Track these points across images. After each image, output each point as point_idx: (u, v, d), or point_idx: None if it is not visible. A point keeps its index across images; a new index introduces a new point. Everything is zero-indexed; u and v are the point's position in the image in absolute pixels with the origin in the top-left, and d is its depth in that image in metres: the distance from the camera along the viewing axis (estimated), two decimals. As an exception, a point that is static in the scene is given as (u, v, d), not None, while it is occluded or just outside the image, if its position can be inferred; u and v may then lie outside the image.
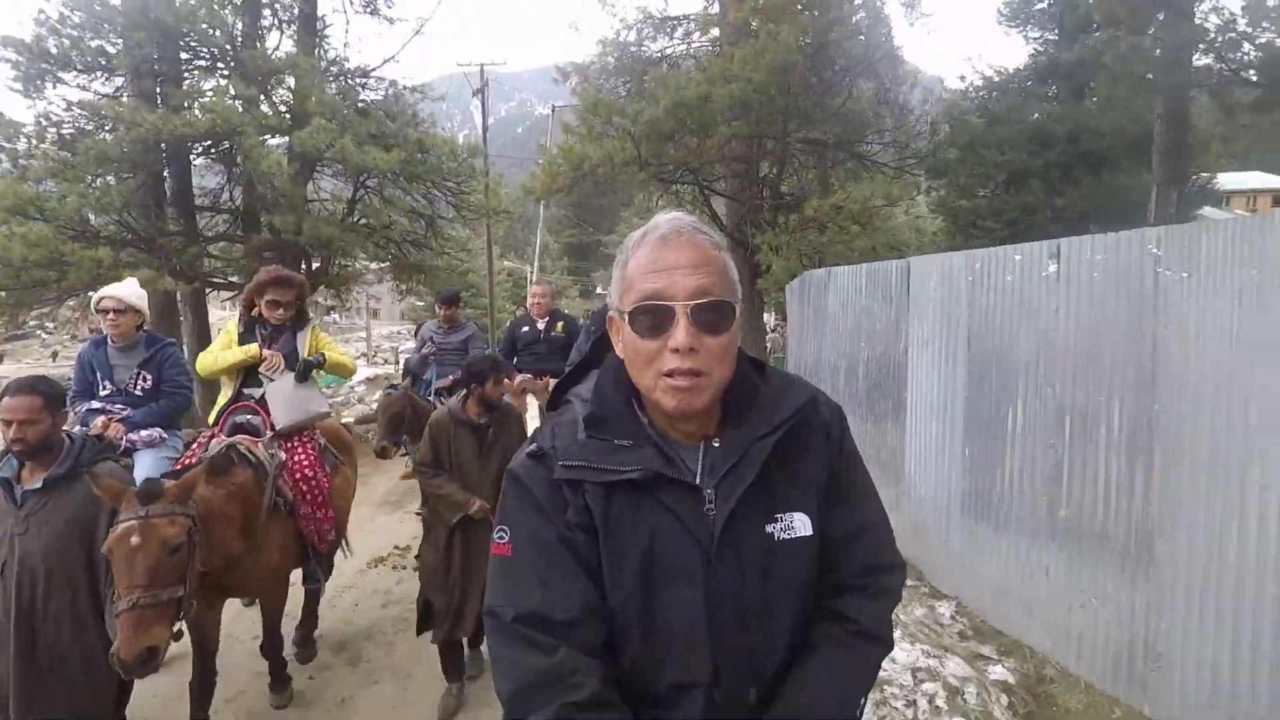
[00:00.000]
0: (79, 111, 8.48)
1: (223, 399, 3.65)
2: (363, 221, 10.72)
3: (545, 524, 1.02)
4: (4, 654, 2.33)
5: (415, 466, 3.70)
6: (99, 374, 3.48)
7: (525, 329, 5.64)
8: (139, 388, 3.51)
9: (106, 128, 8.66)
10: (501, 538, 1.05)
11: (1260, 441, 2.71)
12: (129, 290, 3.57)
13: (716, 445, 1.05)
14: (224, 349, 3.61)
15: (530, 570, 1.01)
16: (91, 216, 8.47)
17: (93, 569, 2.44)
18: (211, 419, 3.62)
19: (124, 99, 8.77)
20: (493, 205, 10.94)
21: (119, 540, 2.28)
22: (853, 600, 1.09)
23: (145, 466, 3.28)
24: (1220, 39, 8.81)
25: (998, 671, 3.58)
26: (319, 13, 10.74)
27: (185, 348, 9.89)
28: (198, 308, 11.15)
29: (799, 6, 8.09)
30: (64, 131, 8.39)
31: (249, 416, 3.43)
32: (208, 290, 10.80)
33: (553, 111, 16.77)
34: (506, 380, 4.30)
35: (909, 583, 4.37)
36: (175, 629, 2.40)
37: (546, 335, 5.53)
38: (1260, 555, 2.71)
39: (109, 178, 8.02)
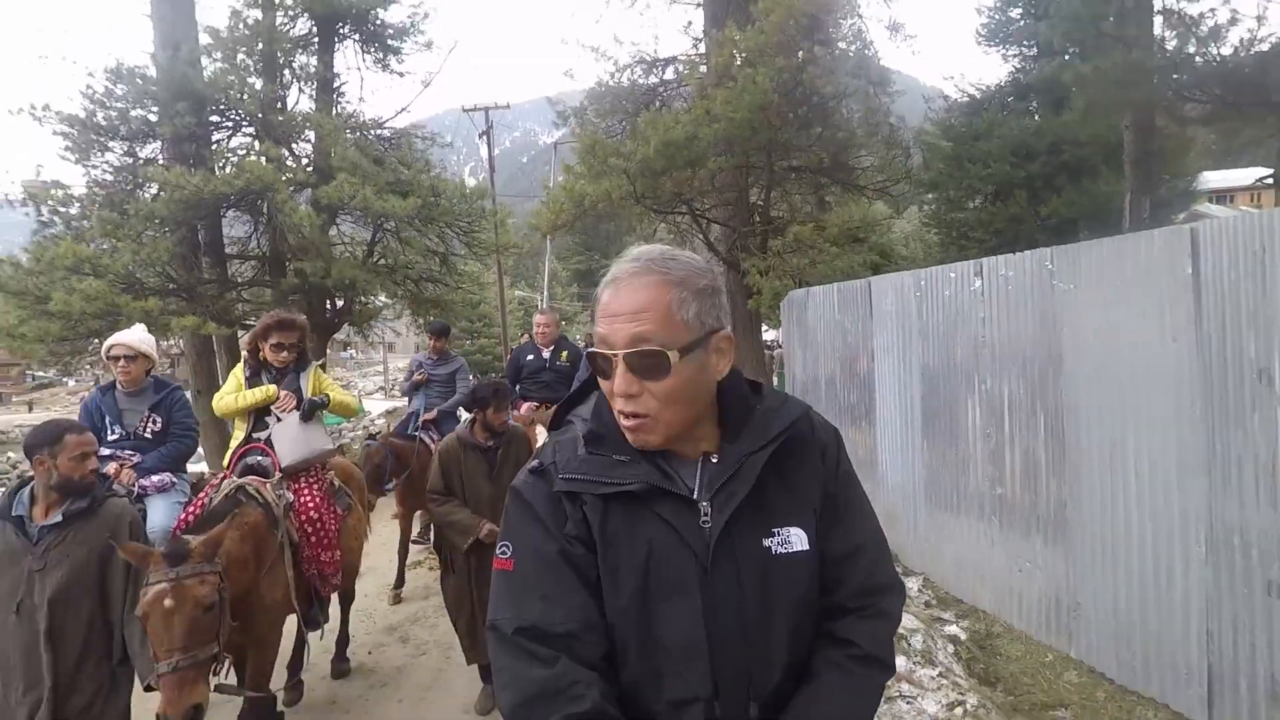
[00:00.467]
0: (125, 176, 9.33)
1: (234, 441, 3.73)
2: (382, 262, 11.51)
3: (546, 538, 1.04)
4: (32, 689, 2.33)
5: (426, 494, 3.73)
6: (107, 418, 3.53)
7: (530, 357, 5.67)
8: (148, 430, 3.58)
9: (149, 189, 9.56)
10: (504, 552, 1.07)
11: (1132, 419, 3.33)
12: (139, 338, 3.67)
13: (714, 461, 1.06)
14: (233, 386, 3.71)
15: (531, 584, 1.03)
16: (137, 271, 9.30)
17: (105, 599, 2.46)
18: (225, 460, 3.70)
19: (159, 162, 9.67)
20: (502, 242, 11.75)
21: (153, 603, 2.30)
22: (852, 623, 1.09)
23: (158, 512, 3.38)
24: (1176, 58, 9.46)
25: (952, 630, 4.17)
26: (334, 70, 11.69)
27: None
28: (232, 349, 11.95)
29: (774, 50, 8.80)
30: (113, 195, 9.23)
31: (259, 458, 3.47)
32: (240, 333, 11.62)
33: (554, 150, 17.62)
34: (514, 412, 4.56)
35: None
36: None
37: (552, 364, 5.56)
38: (1140, 512, 3.32)
39: (154, 235, 8.82)
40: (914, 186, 15.15)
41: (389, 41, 11.57)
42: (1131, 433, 3.34)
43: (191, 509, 3.20)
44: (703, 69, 9.39)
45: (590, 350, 1.05)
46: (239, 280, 11.99)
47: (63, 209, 9.27)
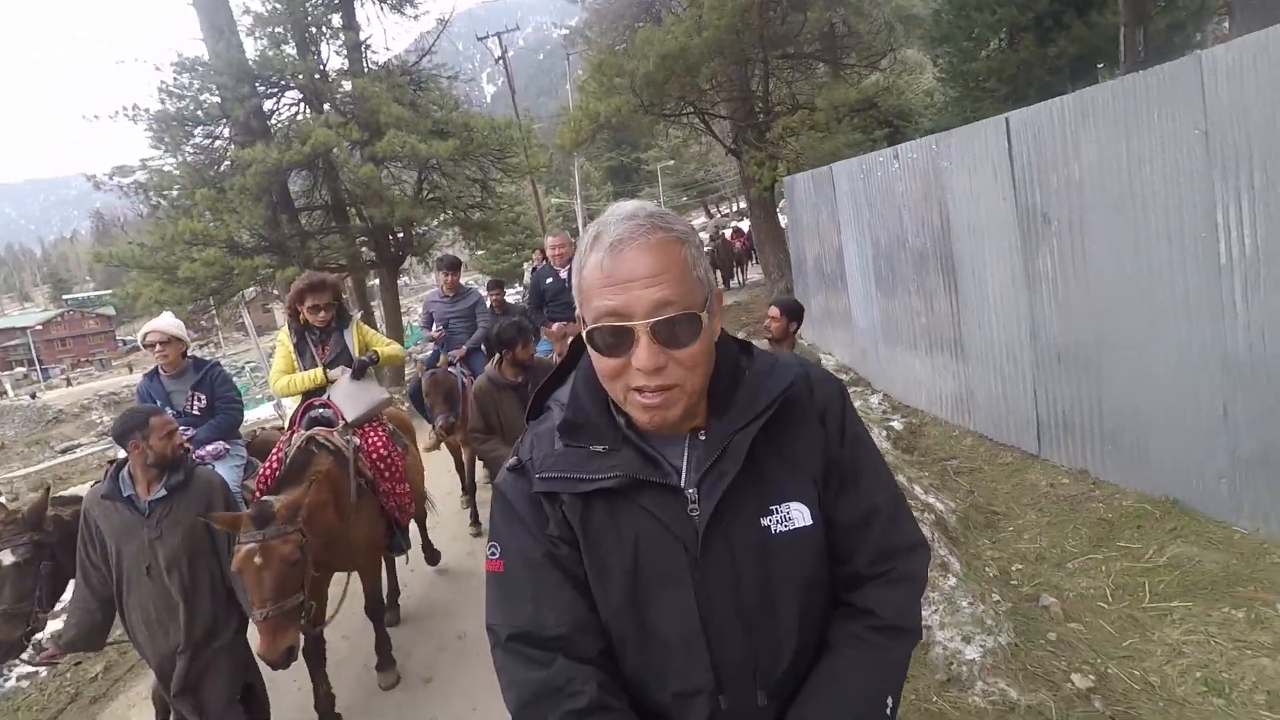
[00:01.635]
0: (210, 156, 11.00)
1: (293, 402, 3.98)
2: (431, 196, 13.03)
3: (530, 540, 1.00)
4: (168, 639, 2.63)
5: (469, 433, 3.98)
6: (158, 402, 3.68)
7: (549, 280, 5.65)
8: (195, 408, 3.74)
9: (224, 166, 11.21)
10: (493, 553, 1.04)
11: (987, 256, 4.70)
12: (170, 323, 3.84)
13: (703, 438, 0.99)
14: (283, 359, 3.92)
15: (520, 587, 1.00)
16: (238, 237, 11.12)
17: (219, 555, 2.71)
18: (289, 419, 3.97)
19: (231, 140, 11.26)
20: (532, 164, 13.04)
21: (245, 561, 2.56)
22: (872, 591, 1.02)
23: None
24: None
25: (894, 424, 5.76)
26: (357, 23, 12.81)
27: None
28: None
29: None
30: (204, 174, 10.93)
31: (321, 410, 3.68)
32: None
33: (567, 64, 18.35)
34: (545, 329, 4.74)
35: (852, 386, 6.53)
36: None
37: (571, 283, 6.31)
38: (996, 322, 4.75)
39: (249, 204, 10.55)
40: (929, 42, 15.46)
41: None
42: (988, 266, 4.71)
43: (269, 465, 3.50)
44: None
45: (597, 328, 0.92)
46: (312, 230, 13.77)
47: (166, 192, 11.07)
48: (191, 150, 11.32)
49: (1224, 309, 3.18)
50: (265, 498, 2.84)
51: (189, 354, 3.87)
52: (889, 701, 1.00)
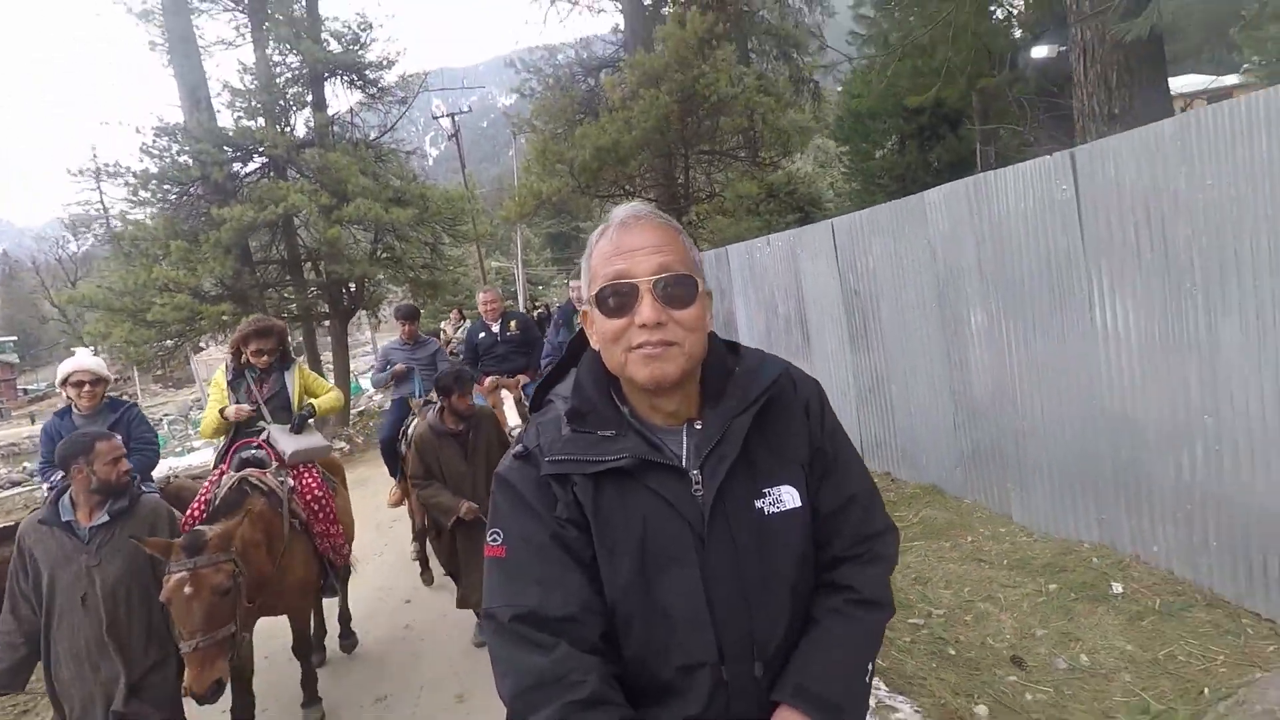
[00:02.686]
0: (184, 211, 12.12)
1: (220, 441, 3.91)
2: (386, 256, 14.35)
3: (536, 523, 1.04)
4: (96, 674, 2.54)
5: (409, 479, 4.02)
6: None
7: (482, 335, 5.77)
8: None
9: (199, 221, 12.32)
10: (494, 540, 1.07)
11: (826, 324, 6.43)
12: (95, 362, 3.80)
13: (699, 427, 1.07)
14: (215, 400, 3.86)
15: (524, 570, 1.03)
16: (205, 285, 12.15)
17: (159, 584, 2.60)
18: (215, 459, 3.92)
19: (200, 197, 12.42)
20: (479, 232, 14.60)
21: (175, 590, 2.50)
22: (849, 570, 1.12)
23: None
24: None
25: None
26: (325, 99, 14.29)
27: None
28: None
29: (674, 68, 11.58)
30: (178, 228, 11.99)
31: (253, 451, 3.63)
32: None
33: (514, 141, 20.22)
34: (478, 384, 4.80)
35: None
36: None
37: (503, 336, 5.67)
38: (835, 372, 6.45)
39: (219, 257, 11.64)
40: (836, 140, 18.13)
41: (367, 74, 14.17)
42: (826, 328, 6.43)
43: (197, 504, 3.38)
44: (622, 86, 12.13)
45: (604, 287, 1.02)
46: (269, 281, 14.82)
47: (140, 242, 12.05)
48: (165, 206, 12.38)
49: (949, 357, 4.90)
50: (198, 527, 2.82)
51: (107, 395, 3.83)
52: (868, 667, 1.09)
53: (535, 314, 15.11)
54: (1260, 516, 3.05)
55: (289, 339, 4.08)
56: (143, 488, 3.13)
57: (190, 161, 12.16)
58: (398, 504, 5.57)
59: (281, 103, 13.10)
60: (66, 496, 2.61)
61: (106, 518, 2.59)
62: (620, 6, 14.63)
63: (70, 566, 2.54)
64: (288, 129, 13.09)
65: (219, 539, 2.69)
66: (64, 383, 3.73)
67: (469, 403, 3.76)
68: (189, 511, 3.34)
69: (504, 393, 4.85)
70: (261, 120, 12.97)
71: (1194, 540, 3.37)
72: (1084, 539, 4.01)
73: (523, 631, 0.99)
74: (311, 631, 3.95)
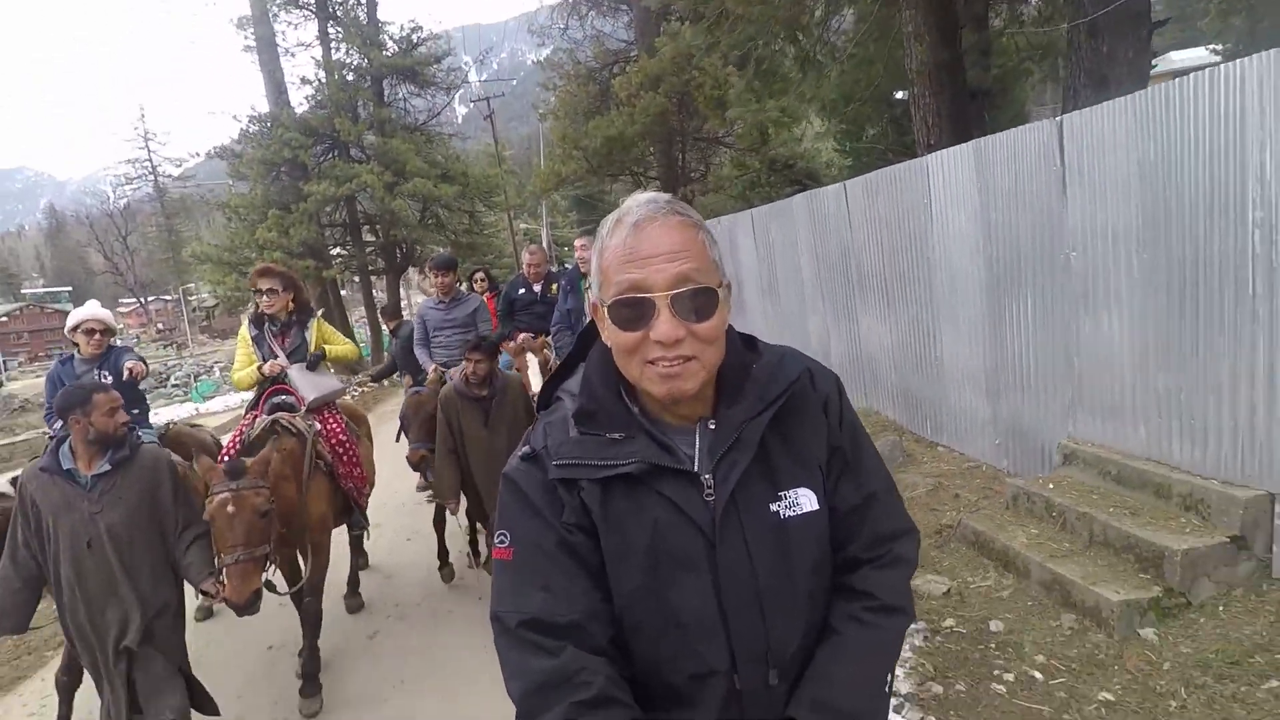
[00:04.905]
0: (281, 186, 15.17)
1: (242, 383, 4.13)
2: (432, 221, 17.33)
3: (543, 527, 1.01)
4: (104, 617, 2.65)
5: (438, 442, 4.01)
6: (67, 385, 3.52)
7: (522, 291, 5.72)
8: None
9: (290, 191, 15.34)
10: (502, 541, 1.04)
11: (749, 298, 9.25)
12: (105, 312, 4.04)
13: (712, 427, 1.02)
14: (243, 355, 4.05)
15: (531, 575, 1.00)
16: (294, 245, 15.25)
17: (162, 532, 2.78)
18: (247, 405, 4.18)
19: (291, 176, 15.42)
20: (512, 202, 17.49)
21: (218, 509, 2.73)
22: (868, 574, 1.07)
23: None
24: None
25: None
26: (383, 90, 17.12)
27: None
28: (335, 288, 18.07)
29: (670, 71, 14.19)
30: (272, 198, 15.05)
31: (284, 397, 3.87)
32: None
33: (540, 132, 22.87)
34: (506, 342, 4.79)
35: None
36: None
37: (543, 296, 5.59)
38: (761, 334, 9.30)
39: (306, 222, 14.70)
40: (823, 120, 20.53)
41: (419, 70, 16.94)
42: (748, 302, 9.21)
43: (231, 442, 3.66)
44: (628, 86, 14.79)
45: (617, 300, 0.95)
46: (335, 241, 17.93)
47: (242, 209, 15.14)
48: (260, 182, 15.43)
49: (841, 313, 7.67)
50: (237, 458, 3.01)
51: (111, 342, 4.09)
52: (888, 678, 1.05)
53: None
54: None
55: (302, 288, 4.21)
56: (141, 436, 3.27)
57: (282, 146, 15.16)
58: (424, 487, 5.57)
59: (347, 95, 15.98)
60: (67, 445, 2.67)
61: (108, 466, 2.64)
62: (630, 10, 17.12)
63: (72, 514, 2.61)
64: (353, 119, 15.99)
65: (257, 465, 2.90)
66: (74, 329, 3.96)
67: (483, 370, 3.77)
68: (225, 447, 3.72)
69: (529, 355, 4.69)
70: (329, 110, 15.90)
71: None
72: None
73: (528, 636, 0.97)
74: (346, 576, 4.38)
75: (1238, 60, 2.96)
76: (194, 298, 61.47)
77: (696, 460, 1.01)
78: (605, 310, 0.98)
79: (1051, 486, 3.87)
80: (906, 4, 8.07)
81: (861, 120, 21.86)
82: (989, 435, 4.86)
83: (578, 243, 4.90)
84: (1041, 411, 4.31)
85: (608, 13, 17.82)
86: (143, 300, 68.36)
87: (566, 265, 12.86)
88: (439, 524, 4.63)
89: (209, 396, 19.84)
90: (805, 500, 1.03)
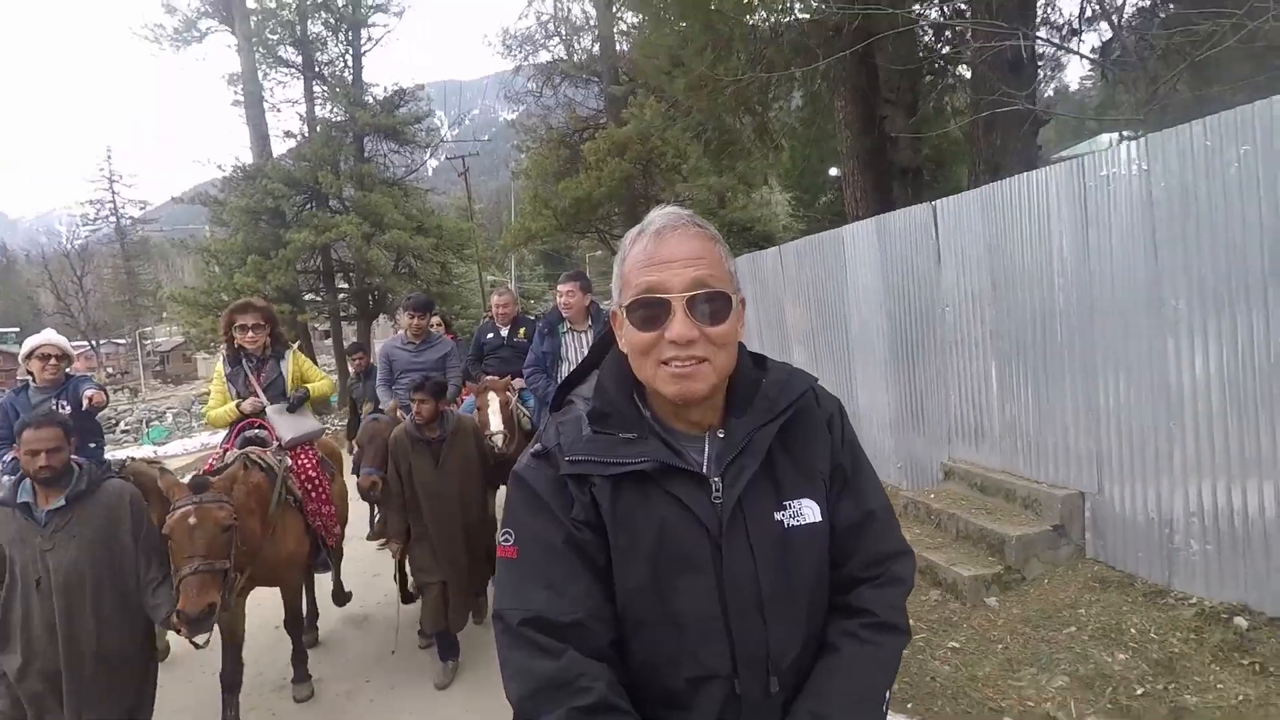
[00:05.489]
0: (264, 232, 15.83)
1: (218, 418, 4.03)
2: (405, 271, 18.06)
3: (550, 524, 1.02)
4: (47, 661, 2.48)
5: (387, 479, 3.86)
6: (22, 415, 3.48)
7: (490, 335, 5.71)
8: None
9: (269, 239, 15.99)
10: (507, 540, 1.05)
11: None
12: (61, 339, 4.00)
13: (721, 435, 1.05)
14: (218, 392, 3.97)
15: (535, 572, 1.01)
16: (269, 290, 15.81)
17: (118, 573, 2.61)
18: (221, 440, 4.06)
19: (269, 224, 16.11)
20: (482, 255, 18.40)
21: (179, 521, 2.63)
22: (866, 592, 1.09)
23: None
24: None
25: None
26: (364, 147, 18.06)
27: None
28: (307, 333, 18.60)
29: (636, 140, 15.45)
30: (253, 245, 15.67)
31: (257, 431, 3.80)
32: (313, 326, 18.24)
33: (511, 188, 24.07)
34: (467, 384, 4.89)
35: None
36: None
37: (510, 340, 5.60)
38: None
39: (283, 268, 15.33)
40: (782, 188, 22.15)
41: (400, 129, 17.96)
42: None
43: (204, 471, 3.47)
44: (596, 151, 16.01)
45: (635, 299, 0.99)
46: (309, 287, 18.51)
47: (222, 255, 15.72)
48: (240, 229, 16.08)
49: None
50: (202, 475, 2.96)
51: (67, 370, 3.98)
52: (885, 695, 1.06)
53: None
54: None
55: (278, 321, 4.12)
56: (111, 469, 3.13)
57: (265, 196, 15.88)
58: (378, 538, 5.12)
59: (330, 150, 16.88)
60: (29, 479, 2.57)
61: (63, 502, 2.53)
62: (601, 82, 18.55)
63: (25, 549, 2.51)
64: (335, 173, 16.86)
65: (223, 482, 2.89)
66: (28, 356, 3.86)
67: (428, 411, 3.69)
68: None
69: (490, 395, 4.57)
70: (311, 163, 16.75)
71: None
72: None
73: (530, 635, 0.97)
74: (304, 610, 4.14)
75: (1041, 169, 4.04)
76: (149, 342, 60.31)
77: (705, 466, 1.03)
78: (623, 312, 1.02)
79: (932, 496, 4.77)
80: (837, 95, 9.38)
81: (814, 189, 23.78)
82: (893, 462, 5.77)
83: (562, 287, 4.74)
84: (929, 440, 5.25)
85: (579, 83, 19.21)
86: (94, 343, 66.87)
87: (530, 316, 13.54)
88: (401, 575, 4.32)
89: (161, 443, 19.71)
90: (809, 511, 1.05)
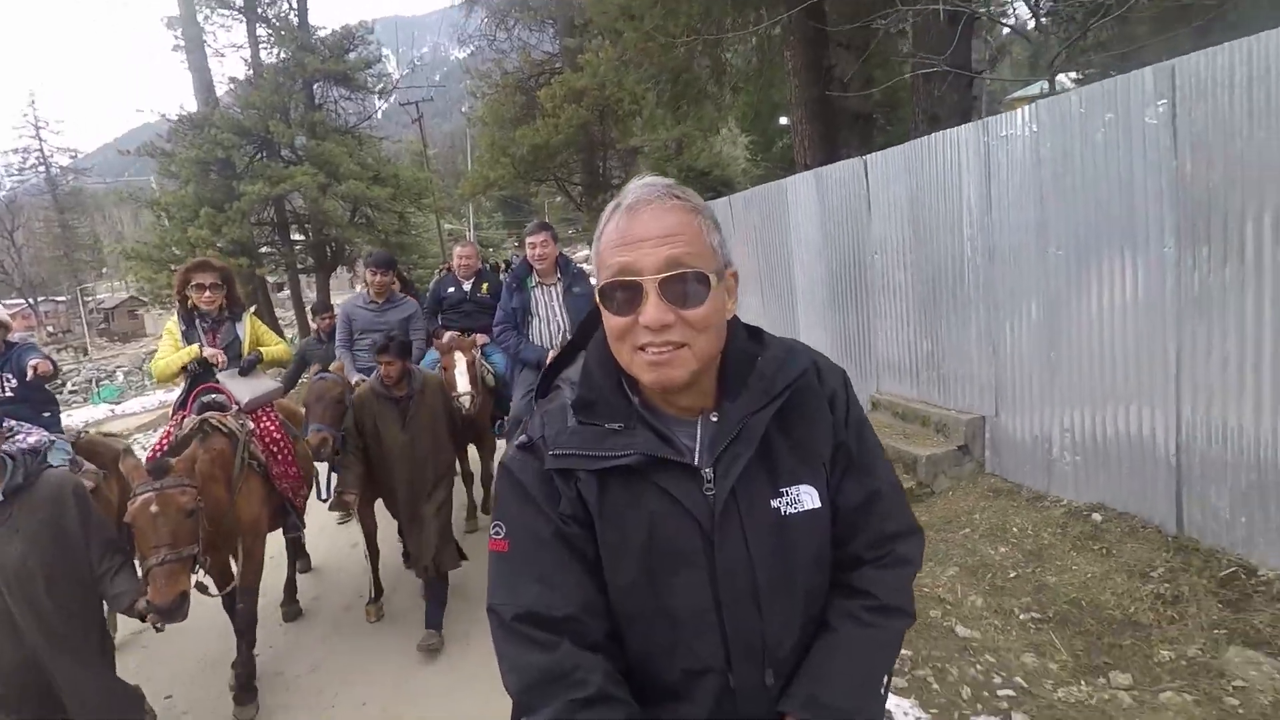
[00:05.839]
0: (215, 184, 15.54)
1: (179, 385, 3.92)
2: (362, 221, 17.94)
3: (540, 518, 1.00)
4: (16, 652, 2.39)
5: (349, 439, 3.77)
6: None
7: (451, 289, 5.47)
8: (7, 390, 3.56)
9: (222, 191, 15.72)
10: (497, 533, 1.03)
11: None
12: (1, 308, 3.81)
13: (714, 420, 1.01)
14: (169, 346, 3.78)
15: (527, 567, 0.99)
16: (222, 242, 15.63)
17: (72, 564, 2.49)
18: (174, 405, 3.90)
19: (223, 176, 15.80)
20: (438, 204, 18.32)
21: (141, 509, 2.54)
22: (869, 573, 1.06)
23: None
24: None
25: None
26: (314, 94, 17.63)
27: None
28: (264, 288, 18.46)
29: (594, 89, 15.42)
30: (205, 197, 15.40)
31: (214, 395, 3.61)
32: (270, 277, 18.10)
33: (465, 132, 23.69)
34: (434, 339, 4.76)
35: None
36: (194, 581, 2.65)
37: (473, 295, 5.39)
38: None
39: (237, 219, 15.13)
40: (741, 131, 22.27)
41: (350, 75, 17.53)
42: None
43: (159, 444, 3.45)
44: (553, 98, 15.98)
45: (608, 283, 0.94)
46: (264, 240, 18.28)
47: (173, 208, 15.42)
48: (191, 181, 15.74)
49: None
50: (162, 457, 2.82)
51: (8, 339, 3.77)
52: (884, 679, 1.04)
53: (501, 276, 19.02)
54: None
55: (235, 283, 4.00)
56: (52, 443, 2.97)
57: (214, 146, 15.51)
58: (337, 507, 4.43)
59: (279, 98, 16.47)
60: None
61: (0, 497, 2.40)
62: (556, 25, 18.31)
63: None
64: (286, 121, 16.50)
65: (183, 464, 2.74)
66: None
67: (394, 372, 3.66)
68: (153, 447, 3.48)
69: (457, 354, 4.46)
70: (261, 112, 16.35)
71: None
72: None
73: (524, 631, 0.96)
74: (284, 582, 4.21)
75: (953, 129, 4.48)
76: (90, 299, 58.20)
77: (697, 454, 0.99)
78: (598, 294, 0.97)
79: (861, 425, 5.35)
80: (786, 45, 9.62)
81: (771, 134, 23.94)
82: (831, 396, 6.33)
83: (532, 239, 4.42)
84: (861, 375, 5.79)
85: (534, 26, 18.91)
86: (32, 301, 64.25)
87: (487, 266, 13.62)
88: (372, 552, 4.17)
89: (115, 402, 19.47)
90: (807, 497, 1.01)
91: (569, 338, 1.17)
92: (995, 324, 4.34)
